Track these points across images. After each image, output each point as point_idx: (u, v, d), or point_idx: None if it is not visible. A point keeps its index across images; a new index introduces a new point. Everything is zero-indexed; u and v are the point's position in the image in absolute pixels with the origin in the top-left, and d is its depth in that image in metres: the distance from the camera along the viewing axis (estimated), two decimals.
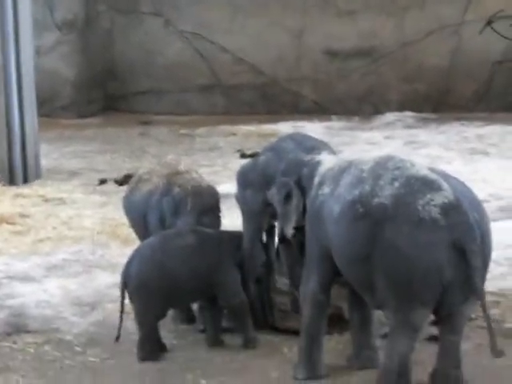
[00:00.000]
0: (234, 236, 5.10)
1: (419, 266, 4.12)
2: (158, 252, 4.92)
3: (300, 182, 4.64)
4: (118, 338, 4.88)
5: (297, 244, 4.69)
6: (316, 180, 4.57)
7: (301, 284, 4.61)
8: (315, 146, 5.21)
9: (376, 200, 4.23)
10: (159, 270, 4.88)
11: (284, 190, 4.67)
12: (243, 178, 5.13)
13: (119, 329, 4.87)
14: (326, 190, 4.49)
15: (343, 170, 4.48)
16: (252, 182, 5.05)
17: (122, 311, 4.88)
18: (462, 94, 12.62)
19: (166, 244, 4.97)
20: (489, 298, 5.39)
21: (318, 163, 4.63)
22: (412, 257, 4.13)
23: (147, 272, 4.88)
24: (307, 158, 4.74)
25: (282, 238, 4.79)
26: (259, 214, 5.00)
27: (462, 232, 4.13)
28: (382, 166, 4.35)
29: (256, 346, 4.97)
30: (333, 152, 5.28)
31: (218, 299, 4.98)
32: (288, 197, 4.65)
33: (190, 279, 4.91)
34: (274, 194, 4.73)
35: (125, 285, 4.90)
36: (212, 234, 5.10)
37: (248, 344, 4.99)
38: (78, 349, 5.06)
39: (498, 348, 4.13)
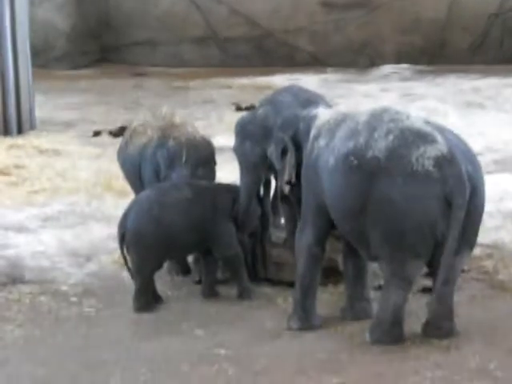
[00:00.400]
0: (229, 189, 5.10)
1: (412, 218, 4.14)
2: (155, 204, 4.93)
3: (296, 136, 4.63)
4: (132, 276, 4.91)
5: (295, 199, 4.69)
6: (312, 133, 4.56)
7: (296, 236, 4.63)
8: (312, 99, 5.20)
9: (370, 152, 4.23)
10: (156, 223, 4.89)
11: (280, 145, 4.66)
12: (242, 130, 5.11)
13: (128, 271, 4.91)
14: (321, 142, 4.48)
15: (339, 122, 4.47)
16: (251, 135, 5.04)
17: (125, 260, 4.90)
18: (458, 46, 12.55)
19: (163, 196, 4.97)
20: (482, 251, 5.44)
21: (314, 117, 4.62)
22: (405, 209, 4.14)
23: (144, 224, 4.89)
24: (303, 112, 4.72)
25: (282, 194, 4.80)
26: (257, 166, 4.99)
27: (453, 185, 4.14)
28: (377, 118, 4.34)
29: (251, 298, 5.01)
30: (329, 105, 5.27)
31: (213, 251, 5.00)
32: (284, 152, 4.65)
33: (186, 231, 4.93)
34: (272, 151, 4.73)
35: (122, 237, 4.92)
36: (208, 186, 5.11)
37: (243, 295, 5.02)
38: (73, 299, 5.09)
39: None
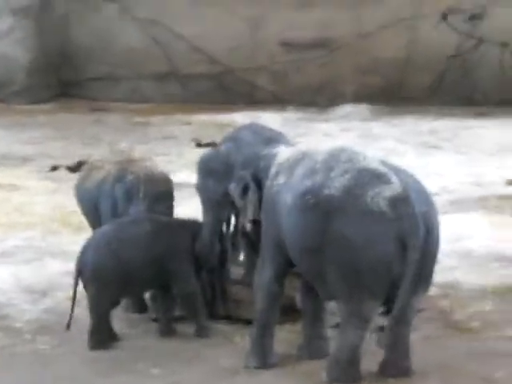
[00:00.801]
0: (189, 225, 5.09)
1: (367, 258, 4.16)
2: (114, 240, 4.90)
3: (257, 174, 4.65)
4: (68, 326, 4.85)
5: (256, 237, 4.69)
6: (272, 171, 4.59)
7: (255, 274, 4.63)
8: (273, 137, 5.22)
9: (326, 191, 4.27)
10: (115, 258, 4.86)
11: (241, 183, 4.68)
12: (205, 167, 5.11)
13: (71, 316, 4.85)
14: (280, 180, 4.51)
15: (298, 160, 4.50)
16: (213, 172, 5.04)
17: (74, 299, 4.85)
18: (416, 87, 12.73)
19: (122, 232, 4.95)
20: (437, 291, 5.48)
21: (275, 155, 4.65)
22: (360, 248, 4.17)
23: (103, 260, 4.86)
24: (264, 150, 4.75)
25: (243, 231, 4.80)
26: (220, 203, 4.98)
27: (407, 225, 4.17)
28: (334, 157, 4.37)
29: (208, 335, 4.98)
30: (290, 143, 5.29)
31: (171, 288, 4.98)
32: (245, 190, 4.66)
33: (145, 267, 4.90)
34: (233, 188, 4.74)
35: (79, 273, 4.88)
36: (167, 221, 5.10)
37: (200, 333, 4.99)
38: (28, 336, 5.02)
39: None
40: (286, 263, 4.52)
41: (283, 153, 4.64)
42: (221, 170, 5.00)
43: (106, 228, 5.03)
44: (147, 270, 4.90)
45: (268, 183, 4.57)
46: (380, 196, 4.20)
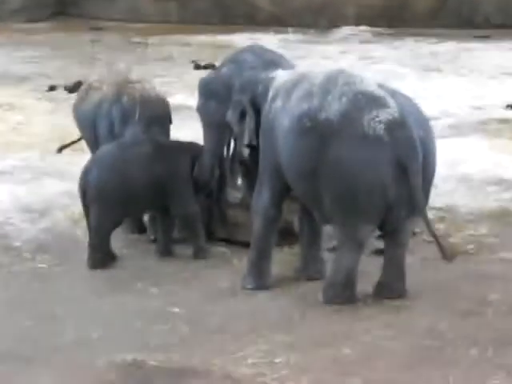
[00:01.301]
0: (190, 148, 5.08)
1: (363, 182, 4.17)
2: (117, 160, 4.90)
3: (255, 99, 4.61)
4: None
5: (252, 161, 4.68)
6: (270, 95, 4.54)
7: (253, 198, 4.63)
8: (275, 60, 5.16)
9: (323, 115, 4.24)
10: (118, 178, 4.87)
11: (238, 108, 4.64)
12: (206, 89, 5.05)
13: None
14: (278, 103, 4.47)
15: (295, 83, 4.46)
16: (215, 94, 4.98)
17: (87, 217, 4.89)
18: (417, 9, 12.57)
19: (125, 152, 4.94)
20: (435, 214, 5.50)
21: (273, 79, 4.60)
22: (356, 172, 4.17)
23: (107, 180, 4.86)
24: (262, 74, 4.70)
25: (240, 156, 4.78)
26: (222, 126, 4.91)
27: (404, 149, 4.16)
28: (331, 80, 4.33)
29: (206, 257, 5.02)
30: (292, 66, 5.23)
31: (170, 208, 4.99)
32: (242, 115, 4.62)
33: (147, 187, 4.91)
34: (230, 114, 4.70)
35: (84, 192, 4.89)
36: (169, 143, 5.09)
37: (198, 254, 5.03)
38: (26, 255, 5.05)
39: (449, 253, 4.24)
40: (283, 187, 4.53)
41: (281, 76, 4.59)
42: (222, 93, 4.94)
43: (108, 148, 5.03)
44: (149, 190, 4.92)
45: (266, 107, 4.54)
46: (376, 120, 4.18)
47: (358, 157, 4.17)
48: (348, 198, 4.21)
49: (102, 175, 4.87)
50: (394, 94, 4.32)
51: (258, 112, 4.59)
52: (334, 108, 4.24)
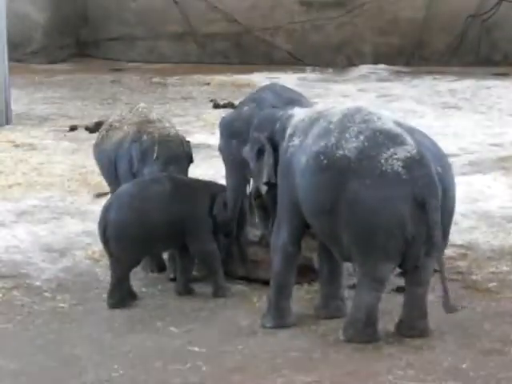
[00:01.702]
0: (208, 185, 5.10)
1: (381, 219, 4.16)
2: (136, 198, 4.92)
3: (273, 137, 4.63)
4: None
5: (271, 200, 4.68)
6: (287, 132, 4.56)
7: (272, 235, 4.63)
8: (294, 98, 5.19)
9: (340, 152, 4.25)
10: (138, 217, 4.88)
11: (256, 145, 4.66)
12: (227, 129, 5.08)
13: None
14: (295, 141, 4.49)
15: (313, 121, 4.48)
16: (237, 133, 5.00)
17: (110, 255, 4.90)
18: (435, 47, 12.61)
19: (144, 190, 4.97)
20: (456, 251, 5.48)
21: (291, 116, 4.62)
22: (374, 210, 4.16)
23: (126, 218, 4.88)
24: (280, 112, 4.72)
25: (257, 193, 4.79)
26: (245, 165, 4.91)
27: (422, 186, 4.16)
28: (349, 118, 4.35)
29: (226, 295, 5.01)
30: (310, 104, 5.25)
31: (189, 247, 5.00)
32: (260, 152, 4.64)
33: (166, 226, 4.92)
34: (247, 151, 4.72)
35: (104, 231, 4.91)
36: (188, 181, 5.11)
37: (218, 293, 5.02)
38: (46, 294, 5.06)
39: (451, 304, 4.21)
40: (301, 224, 4.52)
41: (299, 114, 4.61)
42: (244, 131, 4.94)
43: (127, 187, 5.05)
44: (167, 228, 4.93)
45: (283, 145, 4.55)
46: (394, 157, 4.18)
47: (375, 194, 4.16)
48: (366, 237, 4.20)
49: (121, 213, 4.89)
50: (411, 131, 4.32)
51: (275, 149, 4.61)
52: (351, 145, 4.25)
